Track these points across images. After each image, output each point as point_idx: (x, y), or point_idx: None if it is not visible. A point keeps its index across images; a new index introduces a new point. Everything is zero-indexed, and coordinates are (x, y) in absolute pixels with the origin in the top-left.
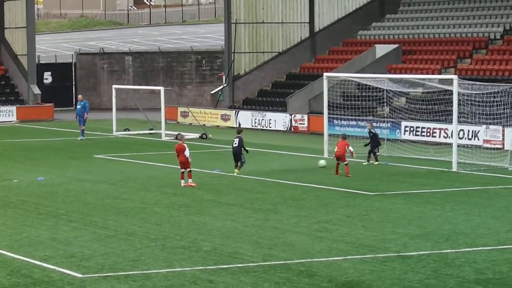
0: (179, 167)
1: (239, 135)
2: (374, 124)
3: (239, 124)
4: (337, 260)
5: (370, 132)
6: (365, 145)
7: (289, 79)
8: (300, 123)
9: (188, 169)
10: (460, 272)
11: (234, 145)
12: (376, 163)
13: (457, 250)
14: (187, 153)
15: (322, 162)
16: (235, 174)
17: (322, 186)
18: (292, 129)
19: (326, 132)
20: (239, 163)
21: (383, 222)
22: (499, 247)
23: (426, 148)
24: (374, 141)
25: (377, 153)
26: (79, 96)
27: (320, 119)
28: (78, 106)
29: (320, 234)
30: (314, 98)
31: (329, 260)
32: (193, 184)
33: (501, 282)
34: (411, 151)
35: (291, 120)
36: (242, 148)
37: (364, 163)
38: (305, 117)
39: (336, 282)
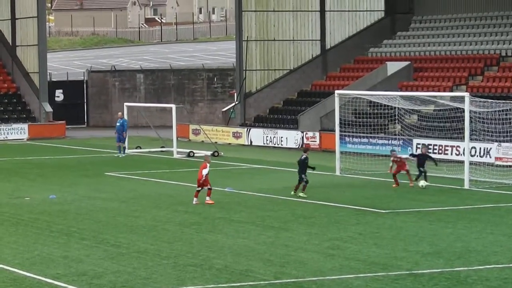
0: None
1: (304, 154)
2: (386, 141)
3: (251, 142)
4: (349, 278)
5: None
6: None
7: (300, 96)
8: (311, 141)
9: (206, 187)
10: None
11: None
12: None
13: (470, 268)
14: (204, 171)
15: (423, 183)
16: (300, 195)
17: (333, 204)
18: (304, 147)
19: (338, 149)
20: (301, 183)
21: (394, 240)
22: (511, 265)
23: (438, 165)
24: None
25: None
26: (119, 114)
27: (332, 137)
28: (117, 124)
29: (331, 252)
30: (325, 116)
31: (340, 278)
32: (209, 202)
33: None
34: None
35: (302, 137)
36: (307, 167)
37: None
38: (317, 134)
39: None
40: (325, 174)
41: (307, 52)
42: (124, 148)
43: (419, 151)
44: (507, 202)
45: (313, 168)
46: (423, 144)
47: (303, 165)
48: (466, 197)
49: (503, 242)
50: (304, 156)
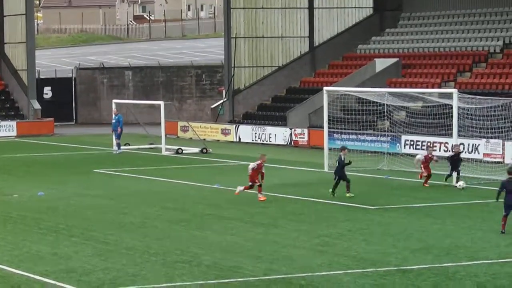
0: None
1: (341, 153)
2: (374, 138)
3: (239, 139)
4: (338, 274)
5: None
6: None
7: (289, 93)
8: (300, 137)
9: (257, 184)
10: (461, 285)
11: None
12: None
13: (458, 263)
14: (249, 167)
15: (461, 184)
16: (347, 195)
17: (322, 200)
18: (292, 143)
19: (326, 146)
20: (345, 182)
21: (383, 236)
22: (500, 260)
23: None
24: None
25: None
26: (114, 110)
27: (320, 133)
28: (113, 120)
29: (320, 248)
30: (314, 112)
31: (329, 274)
32: (261, 198)
33: None
34: (412, 164)
35: (291, 134)
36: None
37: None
38: (305, 131)
39: None
40: (313, 170)
41: (296, 49)
42: (119, 144)
43: (450, 153)
44: (495, 198)
45: (349, 163)
46: (455, 145)
47: (342, 165)
48: (454, 194)
49: (491, 238)
50: (341, 155)
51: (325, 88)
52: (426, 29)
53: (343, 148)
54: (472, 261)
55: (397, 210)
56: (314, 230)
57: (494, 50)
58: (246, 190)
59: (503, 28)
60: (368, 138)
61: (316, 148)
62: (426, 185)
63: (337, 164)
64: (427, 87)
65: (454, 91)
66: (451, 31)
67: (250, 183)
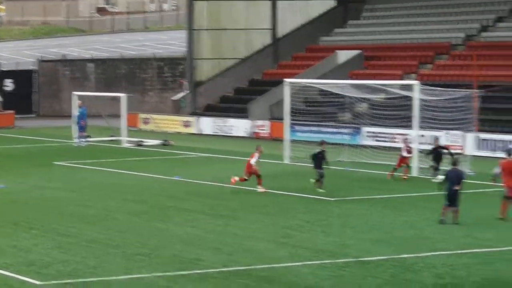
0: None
1: (320, 148)
2: (336, 130)
3: (201, 131)
4: (297, 265)
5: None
6: None
7: (251, 85)
8: (261, 129)
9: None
10: (419, 277)
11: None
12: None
13: (417, 255)
14: (252, 160)
15: (439, 178)
16: (318, 190)
17: (283, 192)
18: (254, 135)
19: (287, 138)
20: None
21: (343, 228)
22: (457, 251)
23: (388, 153)
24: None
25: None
26: (78, 102)
27: (282, 125)
28: (77, 113)
29: (280, 240)
30: (276, 104)
31: (289, 266)
32: (261, 190)
33: (459, 287)
34: (372, 156)
35: (253, 126)
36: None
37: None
38: (267, 123)
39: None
40: (274, 162)
41: (258, 41)
42: (84, 136)
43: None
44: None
45: (327, 163)
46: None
47: (318, 159)
48: (415, 185)
49: (450, 229)
50: (319, 150)
51: (286, 80)
52: (388, 21)
53: (322, 142)
54: (430, 252)
55: (357, 202)
56: (274, 222)
57: (456, 42)
58: (241, 181)
59: (465, 20)
60: (330, 130)
61: (278, 140)
62: (406, 178)
63: (312, 159)
64: (389, 79)
65: (415, 83)
66: (413, 23)
67: (249, 176)
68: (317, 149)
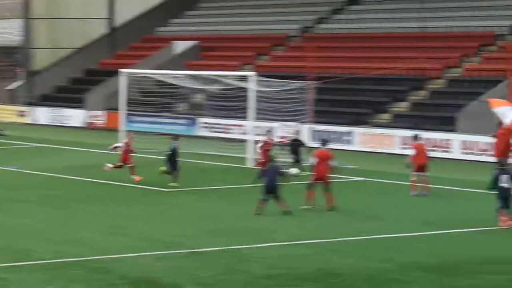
0: None
1: (175, 142)
2: (172, 120)
3: (36, 121)
4: (132, 256)
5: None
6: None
7: (87, 75)
8: (97, 120)
9: (128, 165)
10: (252, 267)
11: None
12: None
13: (249, 246)
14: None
15: (294, 171)
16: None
17: (118, 183)
18: (90, 126)
19: (123, 128)
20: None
21: (178, 219)
22: (289, 242)
23: (223, 144)
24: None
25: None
26: None
27: (118, 116)
28: None
29: (115, 231)
30: (112, 95)
31: (123, 256)
32: (137, 179)
33: (291, 277)
34: (208, 147)
35: (88, 116)
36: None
37: None
38: (103, 113)
39: (130, 279)
40: (111, 153)
41: (95, 30)
42: None
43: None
44: (294, 181)
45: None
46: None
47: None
48: (249, 176)
49: (282, 220)
50: (175, 144)
51: (122, 70)
52: (225, 12)
53: (176, 136)
54: (263, 244)
55: (193, 193)
56: (109, 212)
57: (292, 34)
58: (115, 168)
59: (302, 12)
60: (166, 120)
61: (114, 130)
62: None
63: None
64: (225, 70)
65: (251, 74)
66: (250, 14)
67: (121, 164)
68: (175, 143)
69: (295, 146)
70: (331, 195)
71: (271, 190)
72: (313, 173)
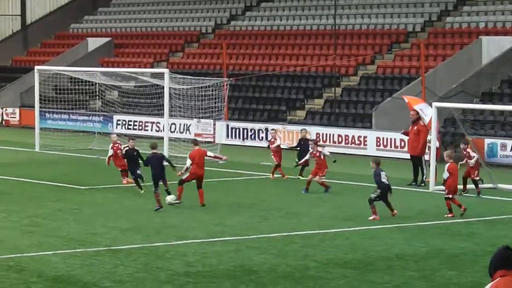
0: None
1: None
2: (86, 117)
3: None
4: (47, 254)
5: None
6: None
7: (0, 72)
8: (11, 117)
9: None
10: (170, 265)
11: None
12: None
13: (168, 243)
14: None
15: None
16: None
17: (32, 180)
18: (4, 123)
19: (37, 125)
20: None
21: (94, 216)
22: (208, 240)
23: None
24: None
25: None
26: None
27: (32, 113)
28: None
29: (30, 229)
30: (26, 92)
31: (39, 255)
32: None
33: (210, 275)
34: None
35: (2, 114)
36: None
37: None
38: (17, 110)
39: (46, 277)
40: (24, 150)
41: (8, 27)
42: None
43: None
44: (207, 178)
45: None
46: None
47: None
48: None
49: (201, 217)
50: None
51: (36, 67)
52: (139, 8)
53: (133, 138)
54: (181, 241)
55: (108, 191)
56: (22, 210)
57: (206, 30)
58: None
59: (215, 9)
60: (80, 117)
61: (28, 127)
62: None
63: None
64: (139, 67)
65: (166, 71)
66: (163, 11)
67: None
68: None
69: (303, 146)
70: (203, 192)
71: (159, 178)
72: (190, 172)
